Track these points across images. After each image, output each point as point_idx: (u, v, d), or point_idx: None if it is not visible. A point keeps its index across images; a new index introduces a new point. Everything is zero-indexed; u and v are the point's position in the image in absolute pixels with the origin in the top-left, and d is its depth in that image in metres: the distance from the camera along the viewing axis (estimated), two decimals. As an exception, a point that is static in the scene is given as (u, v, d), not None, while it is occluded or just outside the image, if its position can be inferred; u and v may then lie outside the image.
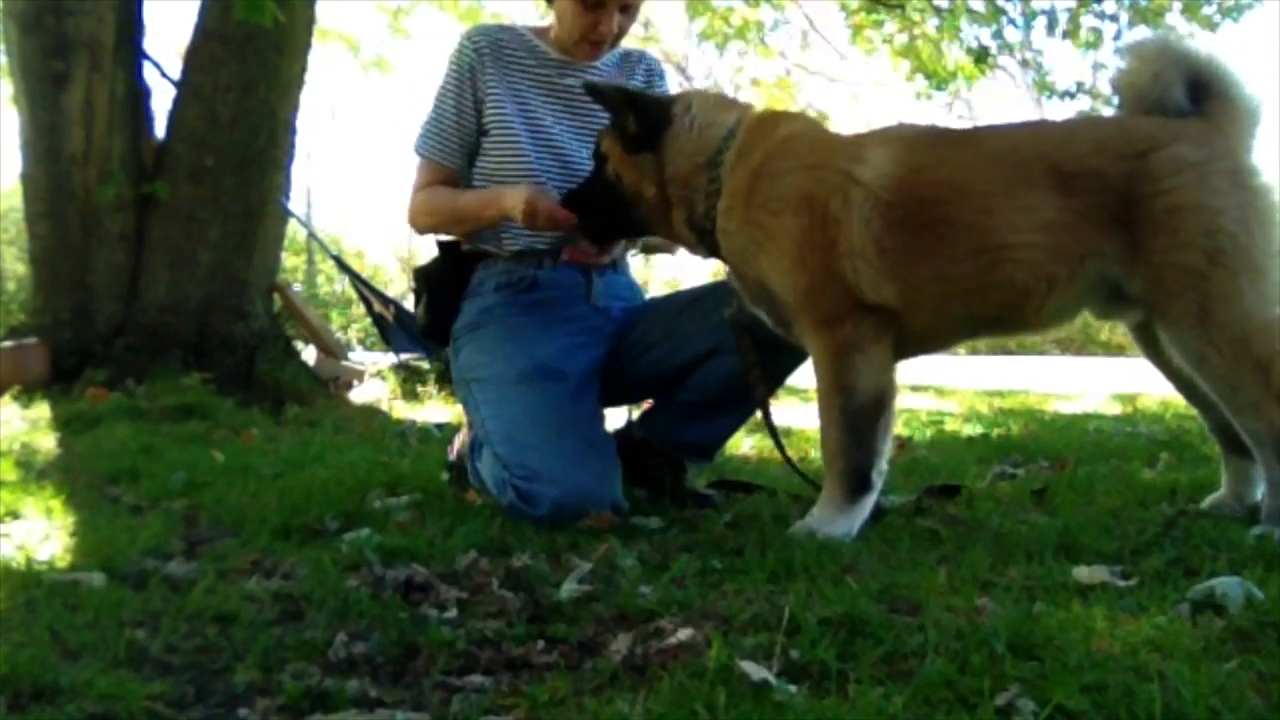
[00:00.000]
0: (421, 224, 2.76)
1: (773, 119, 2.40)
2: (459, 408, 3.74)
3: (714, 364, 2.57)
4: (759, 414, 2.57)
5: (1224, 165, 2.10)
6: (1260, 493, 2.22)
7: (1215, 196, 2.07)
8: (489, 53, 2.66)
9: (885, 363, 2.23)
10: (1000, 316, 2.25)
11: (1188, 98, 2.15)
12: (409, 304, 6.14)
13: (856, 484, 2.20)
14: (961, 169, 2.20)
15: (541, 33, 2.74)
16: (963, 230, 2.15)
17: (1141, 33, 9.31)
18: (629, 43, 2.91)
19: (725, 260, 2.38)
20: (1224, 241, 2.05)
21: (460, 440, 2.84)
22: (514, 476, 2.39)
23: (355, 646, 1.49)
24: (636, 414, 2.85)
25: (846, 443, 2.21)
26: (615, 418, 2.76)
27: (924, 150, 2.24)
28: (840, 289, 2.18)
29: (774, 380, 2.61)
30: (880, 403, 2.21)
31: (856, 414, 2.20)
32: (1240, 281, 2.06)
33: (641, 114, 2.37)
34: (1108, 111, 9.76)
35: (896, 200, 2.16)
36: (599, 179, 2.48)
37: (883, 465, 2.25)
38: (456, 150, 2.68)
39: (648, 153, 2.37)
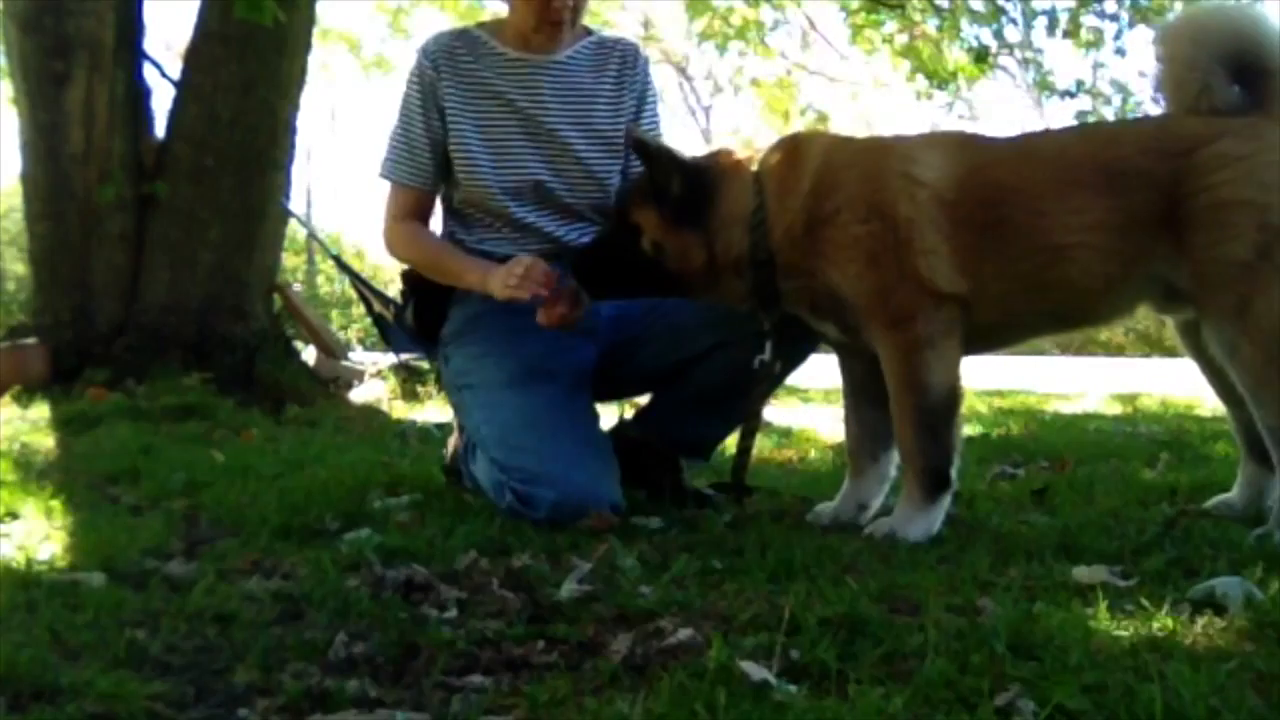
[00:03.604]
0: (399, 255, 2.73)
1: (793, 149, 2.34)
2: (458, 408, 3.73)
3: (717, 358, 2.56)
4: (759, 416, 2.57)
5: (1273, 158, 2.07)
6: (1271, 501, 2.21)
7: (1262, 191, 2.06)
8: (446, 66, 2.59)
9: (956, 359, 2.24)
10: (1062, 313, 2.30)
11: (1236, 81, 2.12)
12: (408, 304, 6.14)
13: (935, 483, 2.20)
14: (1014, 171, 2.24)
15: (499, 29, 2.66)
16: (1019, 231, 2.19)
17: (1143, 33, 9.30)
18: (619, 40, 2.85)
19: (786, 303, 2.34)
20: (1270, 235, 2.04)
21: (452, 444, 2.84)
22: (511, 480, 2.38)
23: (355, 646, 1.48)
24: (629, 413, 2.84)
25: (923, 441, 2.21)
26: (607, 418, 2.75)
27: (976, 152, 2.28)
28: (912, 287, 2.18)
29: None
30: (954, 399, 2.23)
31: (931, 411, 2.20)
32: None
33: (689, 179, 2.30)
34: (1107, 111, 9.78)
35: (959, 199, 2.19)
36: (624, 248, 2.39)
37: (957, 461, 2.25)
38: (429, 171, 2.62)
39: (691, 226, 2.30)
